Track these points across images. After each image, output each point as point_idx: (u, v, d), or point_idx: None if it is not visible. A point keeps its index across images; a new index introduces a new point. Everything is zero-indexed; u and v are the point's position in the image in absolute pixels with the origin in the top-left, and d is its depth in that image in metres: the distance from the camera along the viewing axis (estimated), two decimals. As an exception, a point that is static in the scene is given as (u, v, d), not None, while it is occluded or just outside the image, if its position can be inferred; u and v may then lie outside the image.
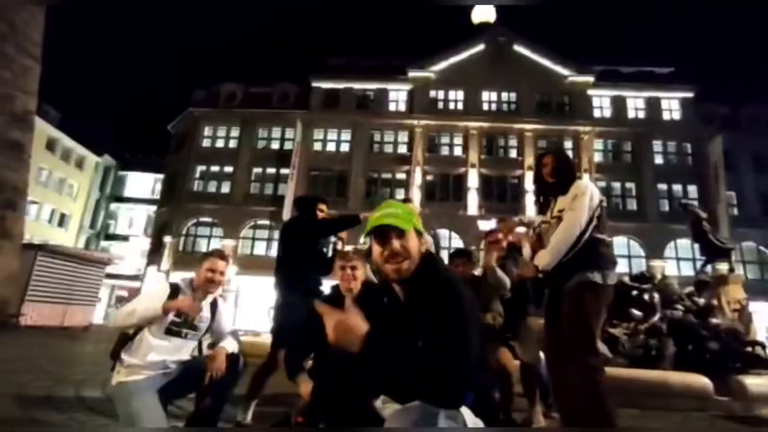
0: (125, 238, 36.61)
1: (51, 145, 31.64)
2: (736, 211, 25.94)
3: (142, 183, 37.93)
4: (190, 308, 2.30)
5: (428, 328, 1.23)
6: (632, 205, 26.88)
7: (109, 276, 25.22)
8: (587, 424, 2.03)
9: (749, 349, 7.88)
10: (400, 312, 1.35)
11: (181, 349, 2.33)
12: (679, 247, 25.05)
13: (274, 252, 27.85)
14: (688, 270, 23.56)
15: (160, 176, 33.68)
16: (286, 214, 26.45)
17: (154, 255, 27.84)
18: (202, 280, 2.39)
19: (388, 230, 1.34)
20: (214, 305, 2.51)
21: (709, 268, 9.42)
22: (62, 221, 33.35)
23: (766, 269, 25.69)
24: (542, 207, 2.81)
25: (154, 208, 33.27)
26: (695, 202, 25.92)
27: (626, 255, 25.84)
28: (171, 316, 2.29)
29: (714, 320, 6.76)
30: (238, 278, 23.61)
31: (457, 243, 26.53)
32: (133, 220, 37.55)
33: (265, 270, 21.54)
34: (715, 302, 7.48)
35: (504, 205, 26.63)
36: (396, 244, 1.33)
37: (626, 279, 6.61)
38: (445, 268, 1.45)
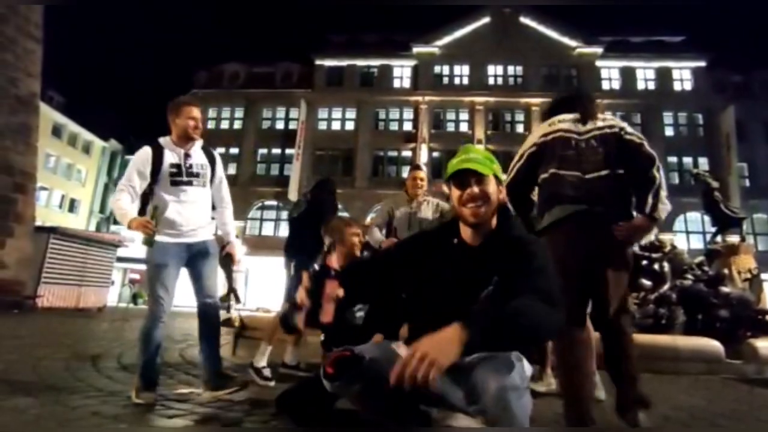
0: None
1: (57, 131, 31.71)
2: (747, 183, 25.56)
3: (149, 167, 37.97)
4: (138, 226, 2.29)
5: (506, 275, 1.28)
6: (641, 178, 26.56)
7: (122, 260, 25.58)
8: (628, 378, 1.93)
9: (759, 317, 7.90)
10: (470, 255, 1.38)
11: (191, 196, 2.43)
12: (689, 220, 24.82)
13: (282, 232, 28.14)
14: (697, 243, 23.39)
15: (167, 159, 33.68)
16: (292, 194, 26.49)
17: (164, 238, 28.10)
18: (183, 128, 2.44)
19: (468, 174, 1.36)
20: (211, 157, 2.59)
21: (719, 237, 9.33)
22: (72, 206, 33.67)
23: (778, 241, 25.44)
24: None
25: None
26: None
27: (635, 229, 25.69)
28: (167, 169, 2.39)
29: (724, 289, 6.72)
30: (248, 259, 23.78)
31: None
32: (142, 203, 37.80)
33: (273, 250, 21.83)
34: (725, 271, 7.42)
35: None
36: (475, 188, 1.36)
37: (636, 248, 6.56)
38: (521, 229, 1.48)
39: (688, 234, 24.98)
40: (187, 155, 2.48)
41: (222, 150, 28.87)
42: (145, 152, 2.43)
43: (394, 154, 27.96)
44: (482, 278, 1.33)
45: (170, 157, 2.44)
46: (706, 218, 24.74)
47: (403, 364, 1.00)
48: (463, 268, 1.37)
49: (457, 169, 1.38)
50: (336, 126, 28.51)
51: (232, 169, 28.39)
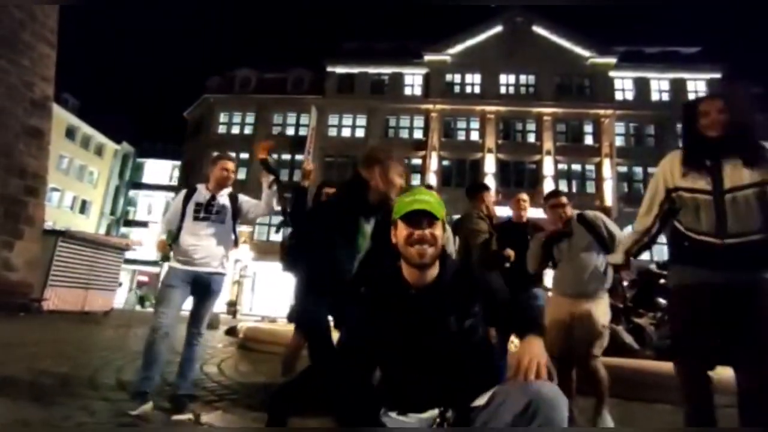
0: (144, 224, 37.23)
1: (71, 133, 32.15)
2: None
3: (160, 170, 38.38)
4: (157, 245, 2.92)
5: (454, 309, 1.38)
6: (654, 190, 26.17)
7: (130, 261, 25.75)
8: None
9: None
10: (421, 298, 1.40)
11: (208, 230, 2.86)
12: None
13: (289, 238, 28.00)
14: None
15: (178, 163, 34.01)
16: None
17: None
18: (218, 178, 2.98)
19: (420, 215, 1.39)
20: (233, 198, 3.04)
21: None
22: (84, 208, 34.06)
23: None
24: (690, 168, 1.96)
25: (172, 194, 33.70)
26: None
27: (647, 242, 25.27)
28: (193, 206, 2.89)
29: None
30: (255, 264, 23.80)
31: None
32: (152, 206, 38.11)
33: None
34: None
35: (521, 191, 26.12)
36: (426, 229, 1.39)
37: (653, 267, 6.36)
38: (464, 263, 1.63)
39: None
40: (213, 197, 2.97)
41: (232, 154, 28.89)
42: (181, 193, 3.06)
43: (404, 161, 27.82)
44: (438, 319, 1.35)
45: (198, 197, 2.97)
46: None
47: (523, 370, 1.20)
48: (416, 313, 1.38)
49: (410, 210, 1.39)
50: (346, 133, 28.53)
51: (241, 174, 28.45)
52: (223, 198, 3.00)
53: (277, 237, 27.77)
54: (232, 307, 22.99)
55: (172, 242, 2.86)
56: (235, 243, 3.09)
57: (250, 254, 23.09)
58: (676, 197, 2.01)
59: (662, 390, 3.24)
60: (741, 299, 1.76)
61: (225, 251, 2.94)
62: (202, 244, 2.83)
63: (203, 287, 2.86)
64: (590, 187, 26.17)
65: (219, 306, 24.51)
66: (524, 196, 3.53)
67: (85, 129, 33.29)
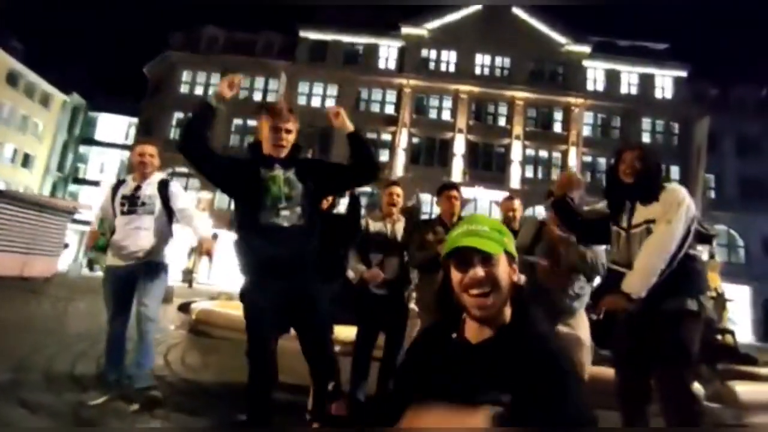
0: (96, 184, 35.15)
1: (12, 79, 29.45)
2: (713, 194, 26.40)
3: (115, 126, 36.06)
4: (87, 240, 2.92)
5: (520, 390, 0.96)
6: (614, 181, 27.06)
7: (80, 222, 24.29)
8: None
9: (719, 337, 8.05)
10: (470, 357, 1.04)
11: (136, 223, 2.74)
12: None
13: (252, 207, 27.23)
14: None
15: (135, 120, 32.03)
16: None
17: (126, 203, 26.85)
18: (135, 164, 2.87)
19: (471, 253, 1.05)
20: (163, 186, 2.86)
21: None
22: (26, 162, 31.66)
23: (733, 252, 26.53)
24: (611, 210, 2.39)
25: (127, 153, 31.84)
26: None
27: (603, 231, 26.28)
28: (119, 199, 2.79)
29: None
30: (214, 232, 23.02)
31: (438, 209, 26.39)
32: (105, 165, 35.93)
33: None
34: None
35: (489, 174, 26.43)
36: (480, 269, 1.04)
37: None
38: (542, 324, 1.10)
39: None
40: (138, 187, 2.83)
41: (194, 116, 27.52)
42: (109, 186, 2.99)
43: (373, 136, 27.34)
44: (485, 388, 0.98)
45: (124, 189, 2.85)
46: None
47: None
48: (462, 374, 1.02)
49: (456, 246, 1.05)
50: (316, 102, 27.60)
51: (204, 138, 27.17)
52: (151, 187, 2.84)
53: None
54: (189, 275, 22.26)
55: (108, 233, 2.83)
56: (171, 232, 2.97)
57: (210, 222, 22.22)
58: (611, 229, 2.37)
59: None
60: (642, 322, 2.07)
61: (160, 241, 2.81)
62: (131, 238, 2.72)
63: (141, 278, 2.76)
64: (555, 174, 26.70)
65: (174, 275, 23.66)
66: (454, 192, 3.23)
67: (30, 76, 30.58)
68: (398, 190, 3.24)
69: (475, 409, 0.92)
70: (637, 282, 1.99)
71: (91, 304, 8.60)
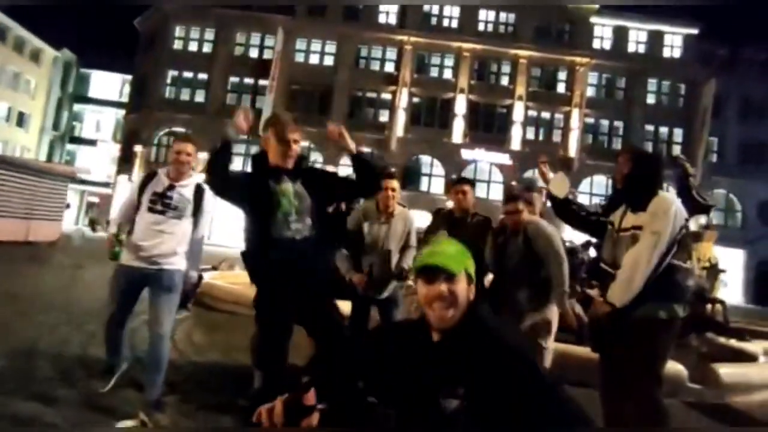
0: (92, 143, 34.77)
1: (1, 34, 28.44)
2: (714, 158, 26.22)
3: (109, 83, 35.18)
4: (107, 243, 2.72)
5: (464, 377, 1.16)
6: (617, 144, 26.73)
7: (79, 182, 24.26)
8: None
9: (709, 306, 8.27)
10: (433, 351, 1.24)
11: (160, 225, 2.54)
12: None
13: (250, 168, 26.94)
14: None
15: (129, 77, 31.21)
16: (263, 129, 25.11)
17: (125, 164, 26.67)
18: (171, 161, 2.63)
19: (437, 271, 1.21)
20: (199, 191, 2.65)
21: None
22: (21, 121, 31.14)
23: (731, 217, 26.70)
24: (608, 207, 2.47)
25: (122, 112, 31.26)
26: (679, 147, 26.02)
27: (604, 194, 26.26)
28: (150, 195, 2.57)
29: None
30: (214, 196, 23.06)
31: (439, 171, 26.30)
32: (101, 123, 35.38)
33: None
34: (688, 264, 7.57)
35: (490, 135, 26.11)
36: (443, 287, 1.20)
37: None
38: (499, 327, 1.27)
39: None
40: (171, 186, 2.58)
41: (190, 74, 26.87)
42: (139, 178, 2.75)
43: (373, 95, 26.81)
44: (445, 378, 1.18)
45: (156, 186, 2.59)
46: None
47: None
48: (426, 367, 1.22)
49: (425, 264, 1.24)
50: (314, 60, 26.81)
51: (200, 97, 26.65)
52: (187, 190, 2.59)
53: (237, 167, 26.68)
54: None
55: (126, 236, 2.66)
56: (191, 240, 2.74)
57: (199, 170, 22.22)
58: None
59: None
60: (615, 327, 2.14)
61: (181, 248, 2.62)
62: (155, 241, 2.51)
63: (162, 285, 2.56)
64: (556, 136, 26.41)
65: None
66: (466, 186, 3.23)
67: (18, 30, 29.49)
68: (394, 184, 3.14)
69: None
70: (620, 293, 2.06)
71: (97, 272, 8.78)
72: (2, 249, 9.71)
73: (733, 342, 5.16)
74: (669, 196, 2.23)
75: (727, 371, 3.66)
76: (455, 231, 3.09)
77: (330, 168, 25.72)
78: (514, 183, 24.44)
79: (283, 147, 2.12)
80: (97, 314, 4.97)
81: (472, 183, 3.38)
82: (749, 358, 4.40)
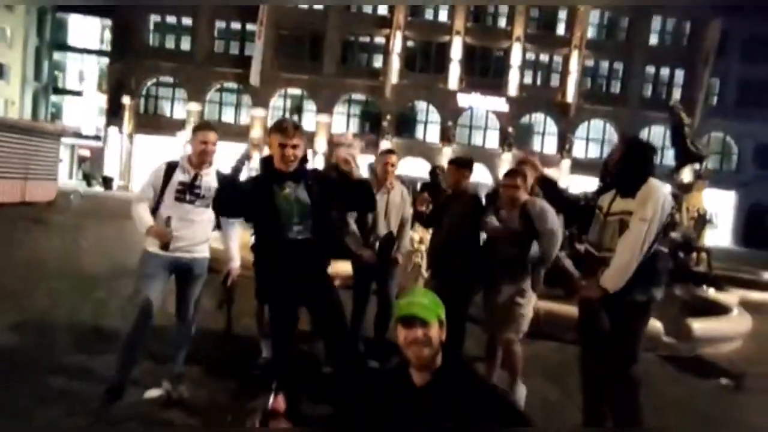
0: (78, 93, 33.70)
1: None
2: (715, 100, 25.81)
3: (88, 29, 33.51)
4: (157, 233, 2.48)
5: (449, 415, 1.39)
6: (616, 87, 26.22)
7: (70, 135, 23.80)
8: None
9: (694, 255, 8.55)
10: (418, 396, 1.46)
11: (190, 215, 2.56)
12: (653, 133, 25.32)
13: (243, 119, 26.59)
14: (656, 158, 24.28)
15: (108, 22, 29.67)
16: (254, 77, 24.47)
17: (114, 116, 26.03)
18: (197, 152, 2.59)
19: (414, 319, 1.44)
20: (219, 175, 2.66)
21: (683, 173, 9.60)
22: (1, 72, 29.95)
23: (726, 160, 26.75)
24: (600, 193, 2.52)
25: (105, 60, 30.03)
26: (679, 90, 25.53)
27: (600, 139, 26.13)
28: (176, 185, 2.55)
29: (672, 234, 7.09)
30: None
31: (434, 117, 25.89)
32: (84, 73, 34.10)
33: (234, 137, 20.79)
34: (677, 216, 7.78)
35: (486, 80, 25.47)
36: (419, 332, 1.43)
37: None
38: (468, 367, 1.54)
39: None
40: (197, 176, 2.58)
41: (173, 19, 25.60)
42: (159, 168, 2.62)
43: (366, 40, 25.80)
44: (431, 418, 1.41)
45: (180, 175, 2.58)
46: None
47: None
48: (413, 411, 1.44)
49: (404, 314, 1.48)
50: (304, 3, 25.46)
51: (186, 44, 25.56)
52: (211, 178, 2.61)
53: (229, 117, 26.16)
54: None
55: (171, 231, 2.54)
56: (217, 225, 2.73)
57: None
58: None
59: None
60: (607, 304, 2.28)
61: (209, 236, 2.66)
62: (186, 230, 2.53)
63: (190, 273, 2.62)
64: (555, 80, 25.79)
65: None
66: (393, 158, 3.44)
67: (-16, -28, 27.60)
68: (394, 159, 3.37)
69: None
70: (615, 279, 2.16)
71: (98, 233, 8.93)
72: (1, 211, 9.79)
73: (711, 292, 5.43)
74: (658, 183, 2.30)
75: (699, 325, 3.92)
76: (445, 208, 3.22)
77: (324, 118, 25.33)
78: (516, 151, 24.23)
79: (283, 151, 2.20)
80: (106, 279, 5.23)
81: (470, 165, 3.37)
82: (724, 309, 4.68)
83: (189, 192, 2.55)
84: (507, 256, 2.88)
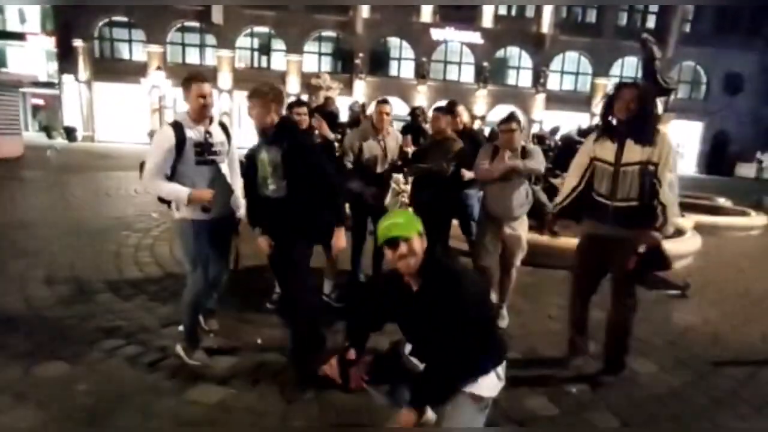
0: (20, 37, 30.99)
1: None
2: (688, 28, 25.76)
3: (23, -38, 30.18)
4: (201, 196, 2.46)
5: (442, 309, 1.63)
6: (591, 17, 25.76)
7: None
8: (617, 344, 2.65)
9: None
10: (414, 297, 1.73)
11: (213, 173, 2.58)
12: (626, 64, 25.42)
13: (208, 60, 25.22)
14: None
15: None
16: (216, 15, 22.99)
17: (66, 62, 24.32)
18: (196, 108, 2.50)
19: (397, 240, 1.63)
20: (224, 127, 2.69)
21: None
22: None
23: (695, 89, 27.25)
24: (601, 141, 2.52)
25: (47, -2, 27.41)
26: (654, 16, 25.30)
27: (575, 72, 26.10)
28: (192, 148, 2.48)
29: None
30: (173, 90, 21.70)
31: (408, 53, 25.17)
32: (25, 13, 31.15)
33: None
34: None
35: (459, 14, 24.61)
36: (404, 248, 1.63)
37: (574, 133, 6.96)
38: (445, 261, 1.75)
39: (622, 79, 25.85)
40: (207, 133, 2.54)
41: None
42: (167, 133, 2.46)
43: (334, -30, 24.21)
44: (431, 316, 1.67)
45: (192, 135, 2.49)
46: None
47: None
48: (414, 310, 1.71)
49: (387, 237, 1.65)
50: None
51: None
52: (218, 131, 2.62)
53: (193, 59, 24.78)
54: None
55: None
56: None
57: (168, 82, 20.77)
58: (595, 164, 2.57)
59: (558, 259, 4.17)
60: (616, 244, 2.49)
61: (234, 188, 2.74)
62: (219, 190, 2.54)
63: (223, 227, 2.71)
64: (530, 11, 25.15)
65: (142, 138, 22.72)
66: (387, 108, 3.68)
67: None
68: (388, 108, 3.64)
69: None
70: (670, 227, 2.40)
71: (81, 187, 8.83)
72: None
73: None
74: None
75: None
76: (428, 152, 3.63)
77: (294, 57, 24.29)
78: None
79: (256, 122, 2.48)
80: (113, 232, 5.45)
81: (452, 110, 3.81)
82: (678, 233, 5.21)
83: (207, 152, 2.53)
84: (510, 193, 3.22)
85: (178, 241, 2.80)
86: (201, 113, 2.50)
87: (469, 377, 1.68)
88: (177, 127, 2.47)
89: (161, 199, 2.58)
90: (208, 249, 2.60)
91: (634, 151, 2.37)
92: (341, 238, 2.56)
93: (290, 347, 2.60)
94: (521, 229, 3.32)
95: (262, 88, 2.42)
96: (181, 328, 2.77)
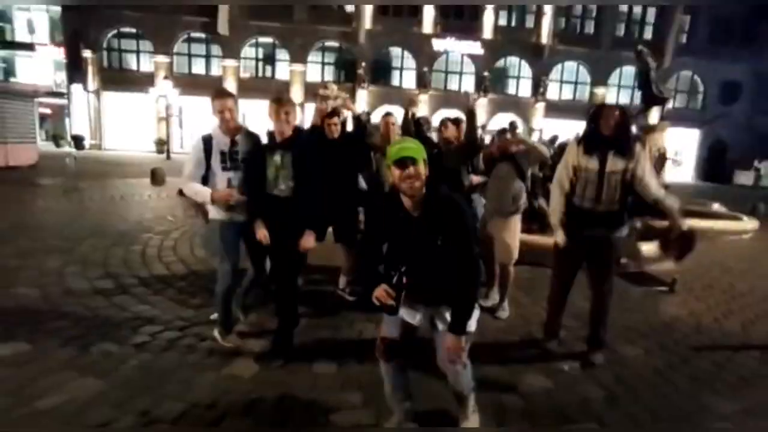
0: (29, 47, 31.58)
1: None
2: (684, 38, 26.24)
3: (33, -26, 30.84)
4: (222, 196, 2.74)
5: (439, 233, 1.84)
6: (590, 28, 26.28)
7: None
8: (599, 323, 3.01)
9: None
10: (414, 223, 1.90)
11: (238, 180, 2.81)
12: (624, 74, 25.87)
13: (213, 70, 25.74)
14: (626, 99, 25.01)
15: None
16: (222, 26, 23.53)
17: (75, 72, 24.86)
18: (219, 121, 2.80)
19: (406, 160, 1.81)
20: (253, 140, 2.88)
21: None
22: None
23: (693, 98, 27.67)
24: (587, 152, 2.81)
25: (54, 8, 28.01)
26: (651, 27, 25.78)
27: (573, 81, 26.56)
28: (217, 155, 2.77)
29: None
30: (180, 99, 22.16)
31: (410, 63, 25.64)
32: (34, 23, 31.77)
33: (207, 90, 19.94)
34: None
35: (460, 23, 25.13)
36: (411, 169, 1.80)
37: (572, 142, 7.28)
38: (445, 191, 1.94)
39: (620, 88, 26.38)
40: (233, 142, 2.81)
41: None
42: (197, 145, 2.80)
43: (337, -18, 24.78)
44: (430, 238, 1.88)
45: (218, 145, 2.79)
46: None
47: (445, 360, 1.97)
48: (413, 233, 1.91)
49: (398, 156, 1.82)
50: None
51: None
52: (244, 142, 2.84)
53: (199, 69, 25.28)
54: (162, 146, 22.14)
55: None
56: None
57: (175, 91, 21.25)
58: (576, 172, 2.87)
59: (538, 256, 4.44)
60: (597, 244, 2.87)
61: None
62: (237, 191, 2.77)
63: (245, 232, 2.89)
64: (529, 22, 25.66)
65: (149, 146, 23.05)
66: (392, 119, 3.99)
67: None
68: (393, 119, 3.96)
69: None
70: (680, 215, 2.79)
71: (100, 194, 9.14)
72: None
73: (663, 222, 6.23)
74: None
75: (646, 248, 4.72)
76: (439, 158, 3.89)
77: (298, 67, 24.79)
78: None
79: (275, 125, 2.68)
80: (130, 233, 5.77)
81: (459, 122, 4.16)
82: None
83: (231, 160, 2.79)
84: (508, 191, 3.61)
85: (210, 239, 3.11)
86: (225, 125, 2.78)
87: (477, 294, 1.96)
88: (205, 139, 2.80)
89: (196, 204, 2.97)
90: (236, 249, 2.87)
91: (616, 162, 2.72)
92: (309, 240, 2.77)
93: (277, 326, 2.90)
94: (506, 231, 3.64)
95: (293, 100, 2.77)
96: (214, 315, 3.08)
